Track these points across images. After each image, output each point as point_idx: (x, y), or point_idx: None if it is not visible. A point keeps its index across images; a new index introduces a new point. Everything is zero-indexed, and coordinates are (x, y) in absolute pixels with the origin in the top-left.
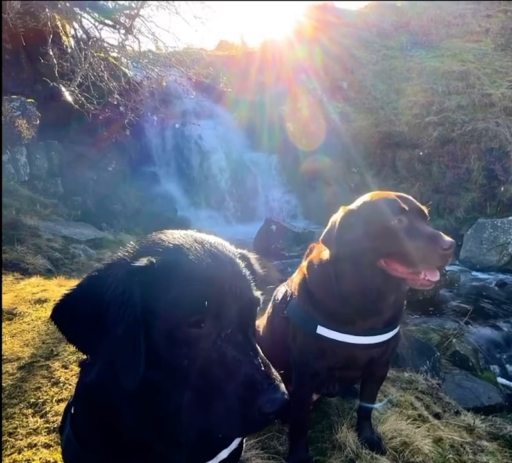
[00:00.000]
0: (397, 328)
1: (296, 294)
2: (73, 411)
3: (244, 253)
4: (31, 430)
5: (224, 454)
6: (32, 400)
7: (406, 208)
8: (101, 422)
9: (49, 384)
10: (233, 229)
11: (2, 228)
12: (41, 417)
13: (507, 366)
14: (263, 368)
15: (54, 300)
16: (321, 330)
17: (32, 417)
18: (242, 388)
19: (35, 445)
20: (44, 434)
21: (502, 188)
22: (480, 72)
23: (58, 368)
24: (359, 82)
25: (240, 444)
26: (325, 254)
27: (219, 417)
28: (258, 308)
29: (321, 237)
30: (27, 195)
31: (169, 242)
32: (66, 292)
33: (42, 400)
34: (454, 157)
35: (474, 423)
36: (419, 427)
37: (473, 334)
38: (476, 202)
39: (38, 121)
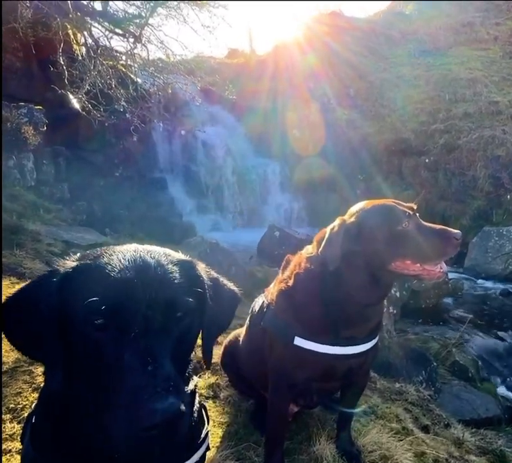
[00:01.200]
0: (377, 338)
1: (273, 304)
2: (34, 421)
3: (187, 261)
4: (7, 436)
5: None
6: (11, 405)
7: (409, 212)
8: (62, 431)
9: (30, 389)
10: (239, 234)
11: (2, 233)
12: (19, 422)
13: (508, 377)
14: (155, 377)
15: None
16: (299, 341)
17: (10, 422)
18: (126, 398)
19: (10, 451)
20: (19, 440)
21: (508, 196)
22: (488, 80)
23: (40, 374)
24: (366, 89)
25: (203, 456)
26: (314, 265)
27: (109, 432)
28: (183, 313)
29: (320, 249)
30: (31, 200)
31: (101, 251)
32: (9, 295)
33: (21, 406)
34: (460, 164)
35: (463, 436)
36: (401, 440)
37: (474, 344)
38: (482, 210)
39: (45, 128)
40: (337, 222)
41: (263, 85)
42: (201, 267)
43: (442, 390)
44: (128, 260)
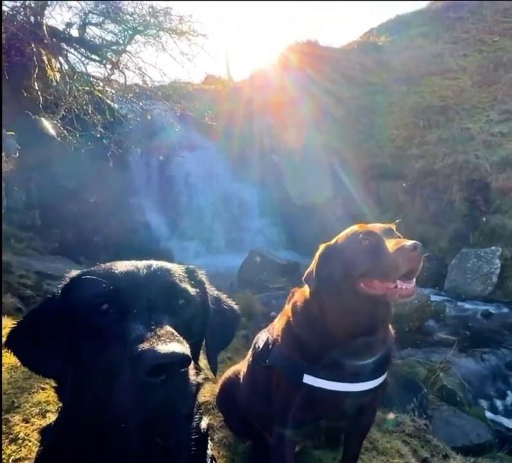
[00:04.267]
0: (385, 374)
1: (279, 340)
2: None
3: (190, 267)
4: None
5: None
6: None
7: (372, 230)
8: None
9: (6, 441)
10: (218, 260)
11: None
12: None
13: (495, 400)
14: (158, 331)
15: None
16: (308, 379)
17: None
18: (129, 351)
19: None
20: None
21: (484, 219)
22: (459, 108)
23: (18, 423)
24: (342, 116)
25: None
26: (307, 294)
27: (116, 396)
28: (185, 300)
29: (303, 277)
30: None
31: (110, 263)
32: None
33: None
34: (436, 188)
35: None
36: None
37: (460, 367)
38: (459, 233)
39: (17, 154)
40: (320, 248)
41: (241, 111)
42: (203, 275)
43: (433, 416)
44: (130, 263)
